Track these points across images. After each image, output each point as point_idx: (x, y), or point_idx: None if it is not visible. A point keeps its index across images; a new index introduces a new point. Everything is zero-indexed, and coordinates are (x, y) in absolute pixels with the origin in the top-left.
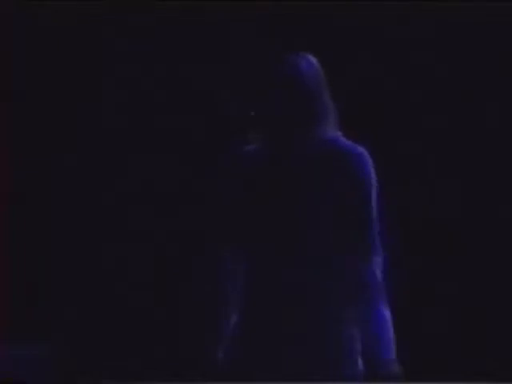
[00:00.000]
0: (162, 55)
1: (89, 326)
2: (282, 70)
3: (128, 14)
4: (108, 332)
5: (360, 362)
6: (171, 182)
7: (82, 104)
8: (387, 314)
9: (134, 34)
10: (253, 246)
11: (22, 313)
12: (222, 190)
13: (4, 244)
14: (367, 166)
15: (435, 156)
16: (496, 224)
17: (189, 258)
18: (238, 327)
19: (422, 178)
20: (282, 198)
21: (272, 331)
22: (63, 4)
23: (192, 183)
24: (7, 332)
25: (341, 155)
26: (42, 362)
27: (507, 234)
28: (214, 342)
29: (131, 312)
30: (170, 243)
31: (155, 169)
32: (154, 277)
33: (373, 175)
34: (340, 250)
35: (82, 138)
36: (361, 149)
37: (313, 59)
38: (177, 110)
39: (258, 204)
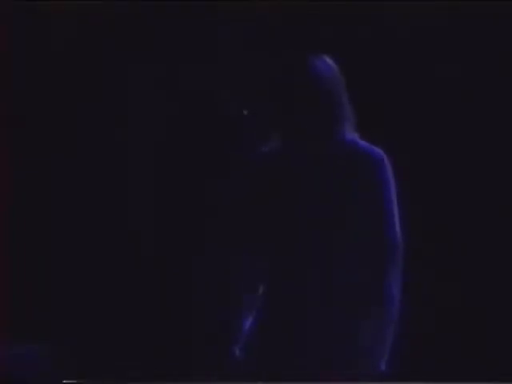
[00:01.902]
0: (166, 55)
1: (89, 326)
2: (301, 72)
3: (128, 13)
4: (108, 332)
5: (379, 362)
6: (174, 183)
7: (81, 104)
8: (389, 330)
9: (134, 34)
10: (268, 247)
11: (22, 313)
12: (241, 192)
13: (4, 244)
14: (385, 168)
15: (452, 156)
16: (498, 226)
17: (193, 258)
18: (255, 328)
19: (438, 179)
20: (299, 199)
21: (288, 332)
22: (63, 4)
23: (208, 185)
24: (7, 332)
25: (358, 157)
26: (42, 362)
27: (509, 236)
28: (230, 342)
29: (132, 312)
30: (172, 243)
31: (157, 168)
32: (156, 277)
33: (390, 177)
34: (358, 253)
35: (82, 138)
36: (378, 150)
37: (331, 61)
38: (191, 111)
39: (274, 204)
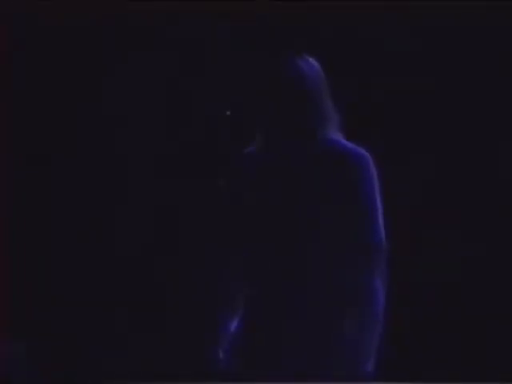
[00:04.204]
0: (160, 57)
1: (88, 326)
2: (284, 72)
3: (128, 13)
4: (108, 332)
5: (365, 363)
6: (170, 183)
7: (81, 104)
8: (375, 331)
9: (134, 34)
10: (254, 247)
11: (22, 312)
12: (223, 191)
13: (4, 244)
14: (369, 168)
15: (437, 158)
16: (496, 226)
17: (189, 258)
18: (240, 328)
19: (423, 179)
20: (283, 200)
21: (273, 332)
22: (63, 4)
23: (192, 184)
24: (6, 332)
25: (342, 157)
26: (40, 362)
27: (507, 237)
28: (214, 343)
29: (131, 312)
30: (170, 243)
31: (155, 169)
32: (154, 277)
33: (374, 177)
34: (341, 254)
35: (82, 138)
36: (362, 151)
37: (314, 61)
38: (175, 112)
39: (259, 205)
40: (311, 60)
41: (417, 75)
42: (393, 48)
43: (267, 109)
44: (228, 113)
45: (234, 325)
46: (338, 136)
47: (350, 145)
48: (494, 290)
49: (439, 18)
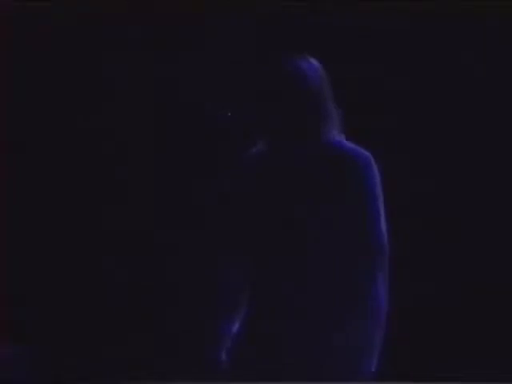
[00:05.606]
0: (160, 57)
1: (88, 327)
2: (286, 73)
3: (128, 13)
4: (107, 332)
5: (368, 363)
6: (171, 184)
7: (82, 104)
8: (376, 332)
9: (133, 34)
10: (256, 248)
11: (22, 314)
12: (226, 193)
13: (3, 244)
14: (371, 170)
15: (438, 158)
16: (497, 224)
17: (191, 259)
18: (241, 329)
19: (424, 180)
20: (285, 201)
21: (274, 333)
22: (63, 4)
23: (193, 185)
24: (6, 333)
25: (344, 159)
26: (40, 362)
27: (509, 238)
28: (215, 343)
29: (131, 313)
30: (171, 244)
31: (155, 170)
32: (155, 278)
33: (377, 179)
34: (343, 255)
35: (83, 138)
36: (365, 152)
37: (316, 62)
38: (176, 112)
39: (261, 206)
40: (312, 60)
41: (418, 75)
42: (394, 47)
43: (269, 110)
44: (229, 114)
45: (235, 325)
46: (339, 137)
47: (352, 146)
48: (495, 291)
49: (440, 17)
